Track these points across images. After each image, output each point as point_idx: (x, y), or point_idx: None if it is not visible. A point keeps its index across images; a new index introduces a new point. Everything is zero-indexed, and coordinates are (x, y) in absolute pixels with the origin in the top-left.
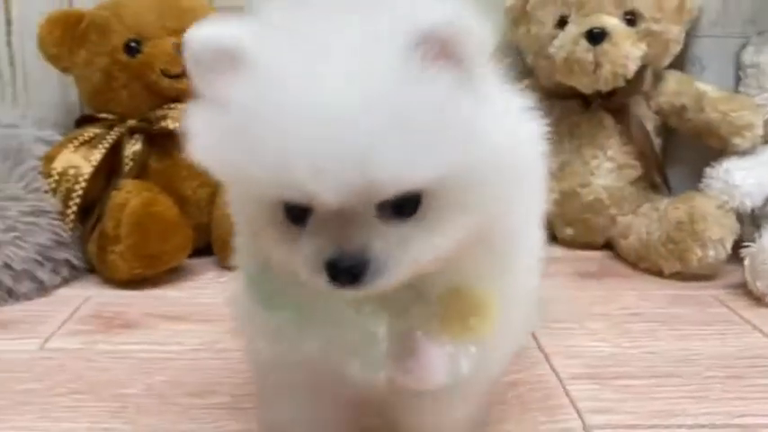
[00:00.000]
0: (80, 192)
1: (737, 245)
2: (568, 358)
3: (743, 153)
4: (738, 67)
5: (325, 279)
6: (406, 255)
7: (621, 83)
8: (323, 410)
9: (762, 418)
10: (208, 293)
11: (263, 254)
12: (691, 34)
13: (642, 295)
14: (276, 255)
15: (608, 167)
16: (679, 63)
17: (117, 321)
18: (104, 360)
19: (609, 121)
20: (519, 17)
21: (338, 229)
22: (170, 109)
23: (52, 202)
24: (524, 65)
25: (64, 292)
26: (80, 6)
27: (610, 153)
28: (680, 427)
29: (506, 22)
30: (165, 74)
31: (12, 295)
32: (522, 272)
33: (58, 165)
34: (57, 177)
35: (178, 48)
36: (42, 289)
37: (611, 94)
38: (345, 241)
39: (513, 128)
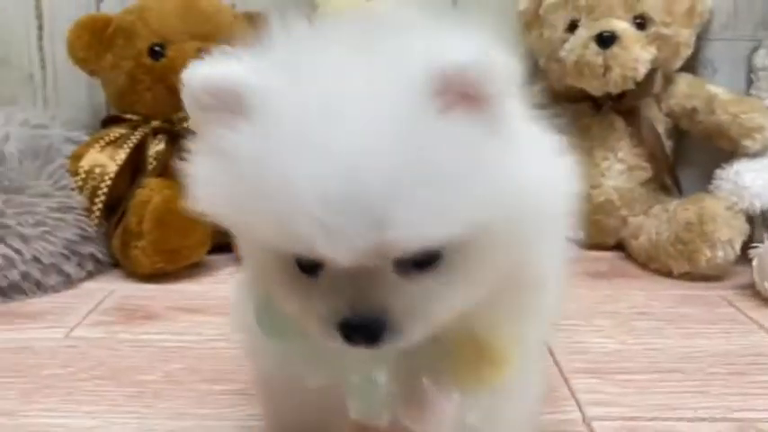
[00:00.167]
0: (105, 189)
1: (746, 246)
2: (572, 353)
3: (753, 155)
4: (750, 69)
5: (340, 339)
6: (428, 312)
7: (631, 86)
8: (328, 418)
9: (760, 412)
10: (226, 288)
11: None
12: (702, 37)
13: (650, 295)
14: (286, 305)
15: (619, 169)
16: (691, 66)
17: (139, 313)
18: (125, 348)
19: (620, 123)
20: (531, 21)
21: (353, 286)
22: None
23: (79, 199)
24: (537, 68)
25: (89, 285)
26: (107, 11)
27: (620, 155)
28: (679, 419)
29: (519, 26)
30: None
31: (40, 287)
32: (546, 313)
33: (85, 163)
34: (83, 175)
35: (200, 52)
36: (69, 282)
37: (622, 96)
38: (361, 301)
39: (543, 169)
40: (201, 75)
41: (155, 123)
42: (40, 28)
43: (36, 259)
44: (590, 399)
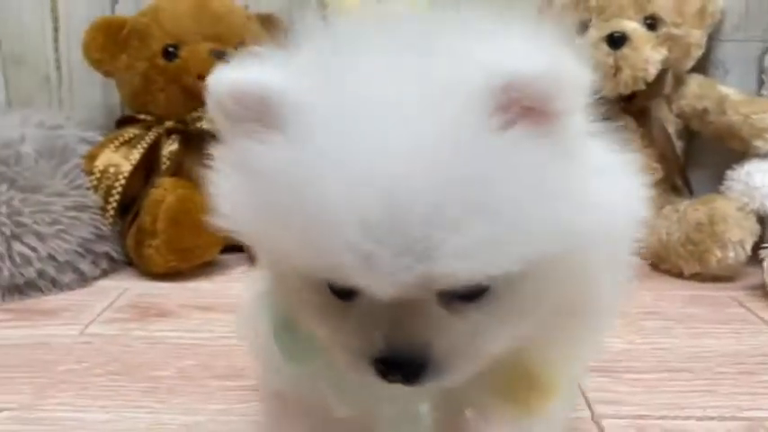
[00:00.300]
0: (120, 188)
1: (757, 246)
2: None
3: (764, 155)
4: (761, 70)
5: (373, 375)
6: (475, 349)
7: (642, 86)
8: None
9: None
10: (238, 286)
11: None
12: (713, 38)
13: (660, 295)
14: (314, 330)
15: None
16: (702, 67)
17: (152, 311)
18: (139, 345)
19: (630, 123)
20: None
21: (392, 316)
22: (205, 111)
23: (94, 198)
24: None
25: (103, 283)
26: (122, 13)
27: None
28: (688, 418)
29: None
30: (201, 78)
31: (55, 285)
32: (598, 340)
33: (100, 163)
34: (98, 175)
35: (213, 52)
36: (83, 280)
37: (633, 97)
38: (401, 335)
39: (612, 194)
40: (228, 80)
41: (168, 123)
42: (56, 30)
43: (52, 257)
44: (599, 397)
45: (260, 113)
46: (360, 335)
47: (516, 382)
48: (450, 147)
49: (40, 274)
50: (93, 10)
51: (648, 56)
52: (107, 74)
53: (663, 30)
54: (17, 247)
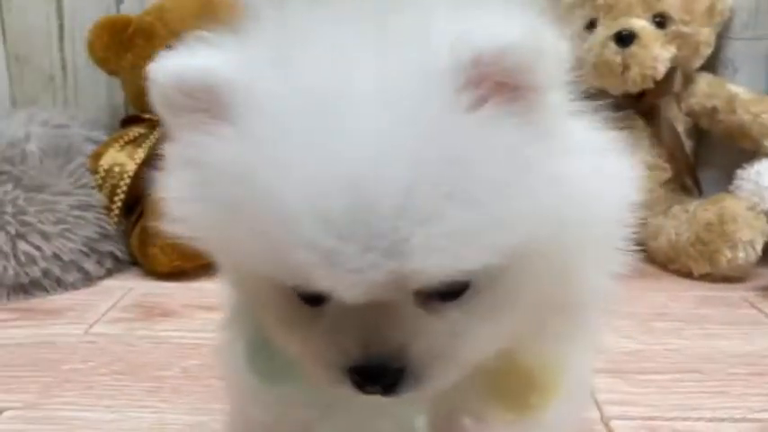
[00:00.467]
0: (124, 188)
1: None
2: None
3: None
4: None
5: (349, 386)
6: (457, 351)
7: (650, 85)
8: None
9: None
10: None
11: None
12: (723, 36)
13: (670, 296)
14: (283, 342)
15: None
16: (711, 65)
17: (156, 310)
18: (144, 345)
19: (639, 122)
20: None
21: (365, 321)
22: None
23: (99, 198)
24: None
25: (108, 282)
26: (127, 12)
27: (640, 155)
28: (699, 419)
29: None
30: None
31: (60, 284)
32: (594, 333)
33: (105, 162)
34: (103, 174)
35: None
36: (88, 279)
37: (641, 95)
38: (375, 341)
39: (597, 175)
40: (172, 69)
41: None
42: (61, 29)
43: (56, 256)
44: (609, 398)
45: (207, 103)
46: (331, 343)
47: (513, 382)
48: (417, 129)
49: (45, 273)
50: (99, 9)
51: (657, 54)
52: (112, 73)
53: (671, 28)
54: (22, 246)
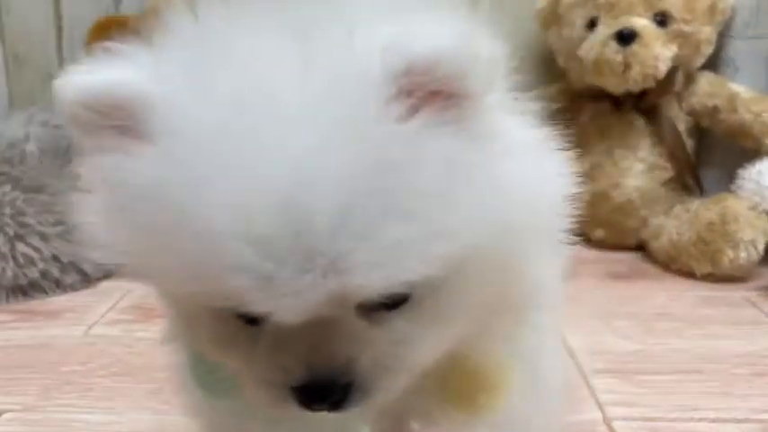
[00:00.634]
0: None
1: None
2: (592, 354)
3: None
4: None
5: (294, 405)
6: (403, 360)
7: (651, 83)
8: None
9: None
10: None
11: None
12: (724, 35)
13: (672, 296)
14: (226, 362)
15: (639, 168)
16: (713, 65)
17: (155, 312)
18: (142, 346)
19: (640, 121)
20: (550, 19)
21: (307, 338)
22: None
23: None
24: (557, 67)
25: (107, 284)
26: (126, 13)
27: (641, 154)
28: (700, 420)
29: (536, 24)
30: None
31: (59, 286)
32: (543, 323)
33: None
34: None
35: None
36: (87, 281)
37: (643, 94)
38: (319, 357)
39: (534, 174)
40: (78, 84)
41: None
42: (59, 29)
43: (55, 258)
44: (610, 399)
45: (120, 120)
46: (273, 363)
47: (461, 382)
48: (348, 141)
49: (44, 274)
50: (97, 10)
51: (658, 53)
52: None
53: (673, 26)
54: (21, 247)
